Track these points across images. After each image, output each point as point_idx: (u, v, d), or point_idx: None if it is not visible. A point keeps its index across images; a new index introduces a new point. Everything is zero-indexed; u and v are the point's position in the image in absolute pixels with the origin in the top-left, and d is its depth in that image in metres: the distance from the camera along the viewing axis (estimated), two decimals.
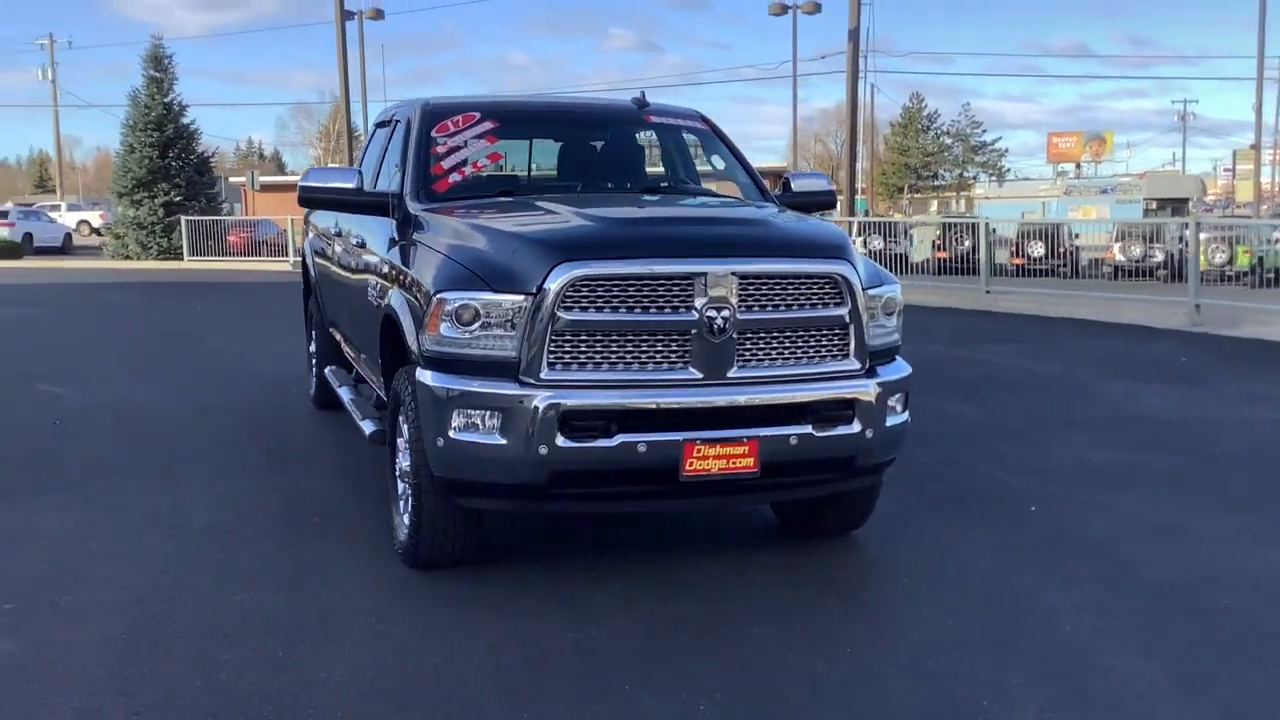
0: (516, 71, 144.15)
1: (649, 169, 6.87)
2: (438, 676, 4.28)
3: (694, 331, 4.89)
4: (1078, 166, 75.00)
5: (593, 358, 4.87)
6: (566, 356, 4.86)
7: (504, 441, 4.84)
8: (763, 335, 5.03)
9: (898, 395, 5.39)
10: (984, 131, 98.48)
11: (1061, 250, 26.49)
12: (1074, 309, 17.83)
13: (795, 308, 5.07)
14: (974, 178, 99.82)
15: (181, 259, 33.25)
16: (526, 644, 4.58)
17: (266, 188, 47.76)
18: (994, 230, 28.15)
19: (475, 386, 4.88)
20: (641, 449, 4.85)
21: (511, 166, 6.85)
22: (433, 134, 6.37)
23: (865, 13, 31.87)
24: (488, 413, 4.86)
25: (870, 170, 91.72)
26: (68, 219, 56.21)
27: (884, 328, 5.39)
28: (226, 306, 19.57)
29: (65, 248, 43.84)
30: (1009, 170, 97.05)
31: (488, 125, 6.45)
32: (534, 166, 7.05)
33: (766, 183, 6.78)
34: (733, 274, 4.92)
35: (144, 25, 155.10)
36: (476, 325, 4.88)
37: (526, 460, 4.82)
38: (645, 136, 6.95)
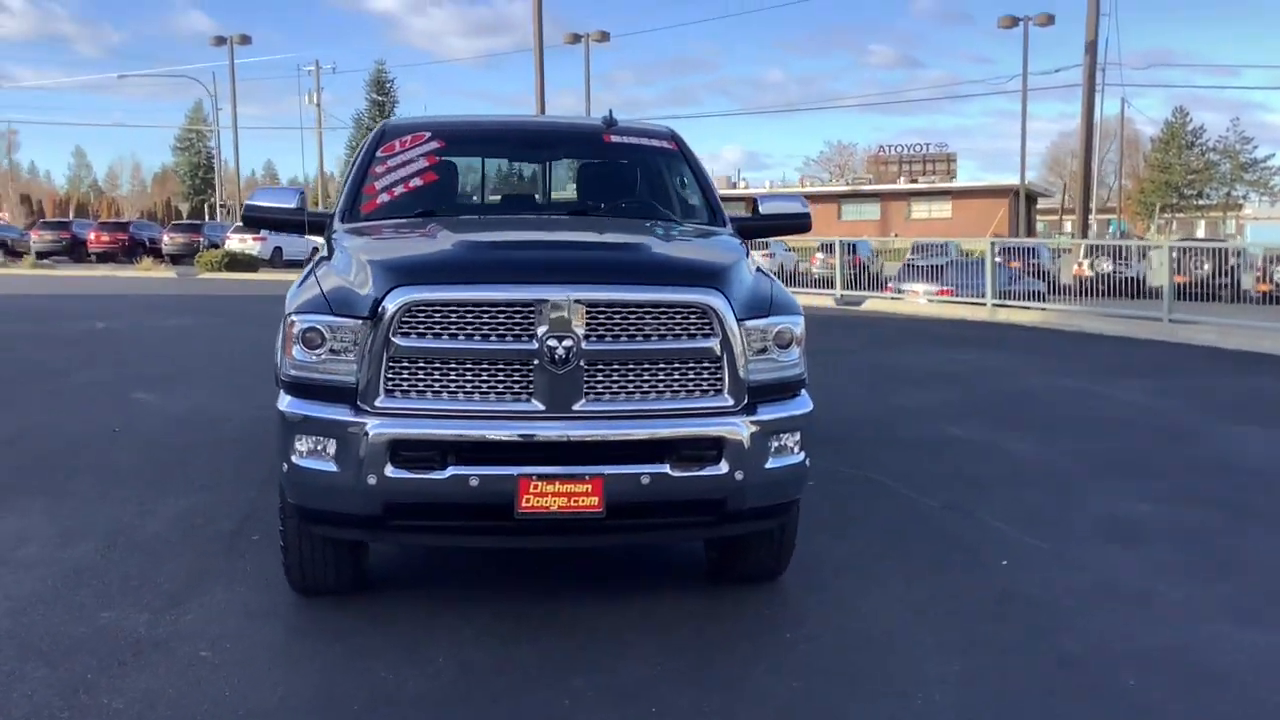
0: (772, 90, 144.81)
1: (600, 189, 6.60)
2: (210, 711, 4.18)
3: (535, 362, 4.65)
4: None
5: (431, 386, 4.70)
6: (405, 384, 4.70)
7: (337, 469, 4.72)
8: (616, 367, 4.73)
9: (786, 435, 4.98)
10: (1255, 147, 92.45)
11: None
12: (1258, 341, 16.36)
13: (655, 338, 4.75)
14: (1243, 197, 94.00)
15: None
16: (330, 682, 4.46)
17: None
18: (1239, 254, 26.14)
19: (315, 412, 4.78)
20: (474, 482, 4.65)
21: (462, 187, 6.69)
22: (378, 153, 6.33)
23: (1106, 24, 30.27)
24: (324, 439, 4.75)
25: (1119, 189, 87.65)
26: None
27: (774, 361, 4.99)
28: None
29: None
30: None
31: (433, 145, 6.36)
32: (478, 186, 6.88)
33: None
34: (577, 301, 4.66)
35: (420, 52, 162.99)
36: (324, 349, 4.78)
37: (358, 489, 4.69)
38: (606, 155, 6.71)
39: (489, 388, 4.69)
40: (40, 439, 8.99)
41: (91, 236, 49.41)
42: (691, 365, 4.80)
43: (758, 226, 6.45)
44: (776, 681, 4.50)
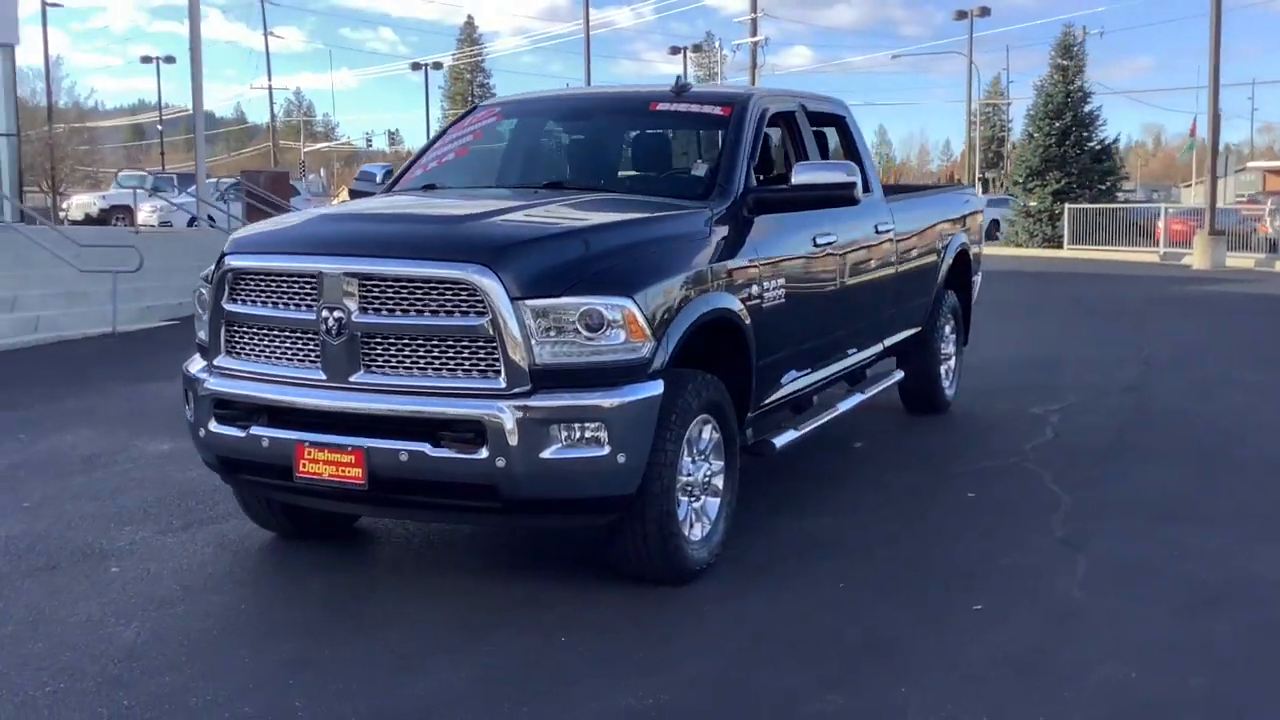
0: None
1: (599, 162, 6.31)
2: (29, 616, 4.87)
3: (317, 332, 4.80)
4: None
5: (253, 349, 5.04)
6: (237, 346, 5.10)
7: (191, 420, 5.24)
8: (391, 341, 4.72)
9: (578, 425, 4.61)
10: None
11: None
12: None
13: (427, 314, 4.67)
14: None
15: (1061, 247, 33.05)
16: (155, 607, 4.96)
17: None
18: None
19: (190, 369, 5.33)
20: (265, 444, 4.93)
21: (496, 161, 6.66)
22: (449, 129, 6.62)
23: None
24: (190, 392, 5.28)
25: None
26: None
27: (580, 345, 4.62)
28: None
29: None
30: None
31: (489, 121, 6.51)
32: (511, 160, 6.71)
33: None
34: (348, 274, 4.73)
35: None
36: (207, 314, 5.31)
37: (199, 441, 5.18)
38: (646, 126, 6.37)
39: (292, 354, 4.93)
40: None
41: None
42: (464, 343, 4.64)
43: (786, 199, 5.81)
44: (482, 685, 4.26)
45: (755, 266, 5.59)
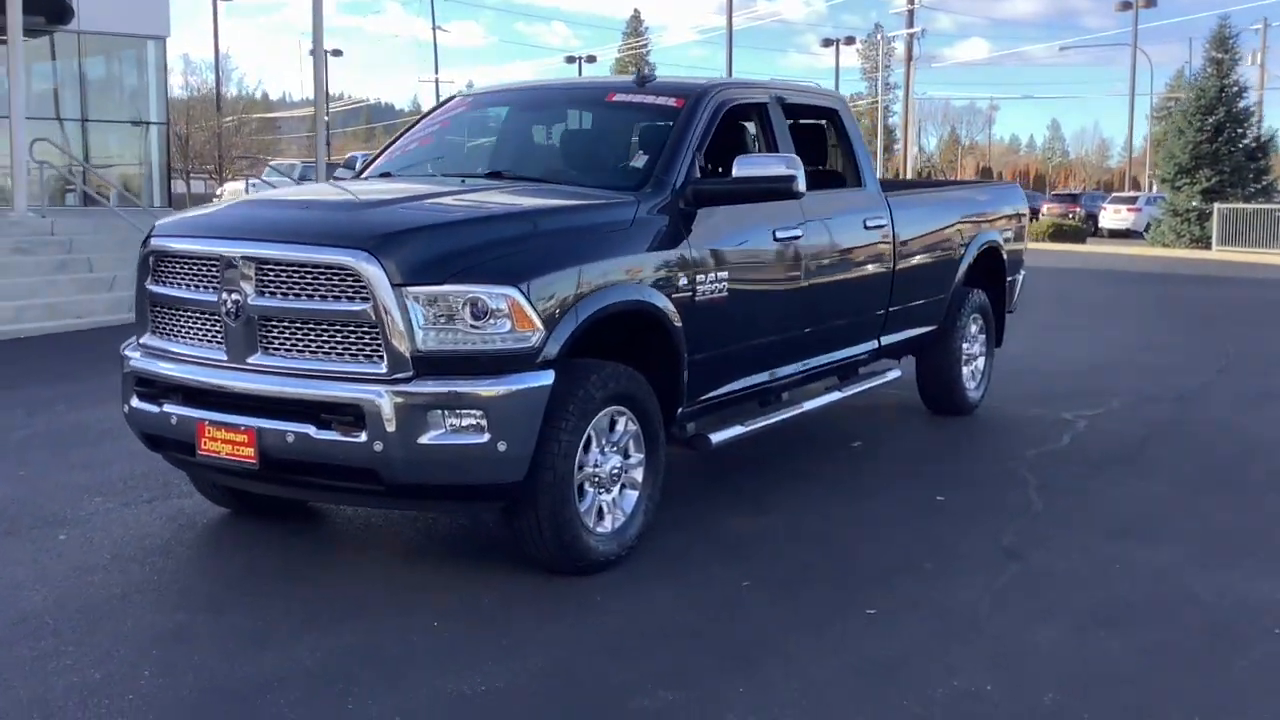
0: None
1: (540, 153, 6.35)
2: None
3: (219, 313, 4.94)
4: None
5: (170, 328, 5.22)
6: (158, 325, 5.29)
7: (121, 396, 5.44)
8: (286, 324, 4.83)
9: (458, 411, 4.64)
10: None
11: None
12: None
13: (317, 298, 4.77)
14: None
15: (1209, 248, 31.61)
16: (79, 572, 5.20)
17: None
18: None
19: (121, 348, 5.54)
20: (173, 421, 5.09)
21: (455, 151, 6.71)
22: (425, 119, 6.72)
23: None
24: (122, 368, 5.48)
25: None
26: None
27: (465, 333, 4.65)
28: None
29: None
30: None
31: (458, 110, 6.58)
32: (470, 150, 6.75)
33: None
34: (245, 257, 4.85)
35: None
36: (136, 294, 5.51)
37: (125, 416, 5.38)
38: (600, 117, 6.34)
39: (200, 335, 5.10)
40: None
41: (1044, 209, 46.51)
42: (351, 328, 4.72)
43: (726, 191, 5.71)
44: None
45: (690, 259, 5.53)
